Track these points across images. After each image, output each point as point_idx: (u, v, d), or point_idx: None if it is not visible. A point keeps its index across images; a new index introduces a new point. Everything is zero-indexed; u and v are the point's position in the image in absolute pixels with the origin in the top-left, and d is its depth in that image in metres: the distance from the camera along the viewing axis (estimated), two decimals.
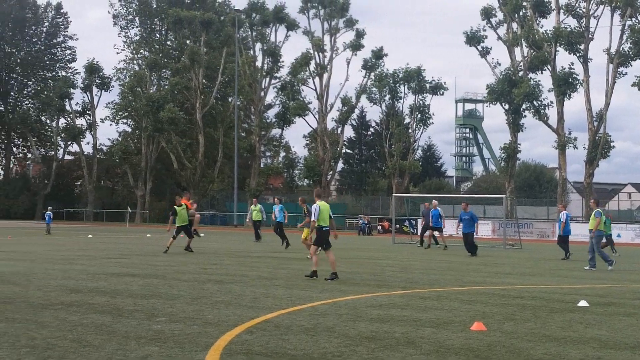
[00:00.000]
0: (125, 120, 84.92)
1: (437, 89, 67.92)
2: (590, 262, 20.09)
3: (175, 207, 24.03)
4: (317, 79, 70.18)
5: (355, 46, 69.77)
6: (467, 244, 25.95)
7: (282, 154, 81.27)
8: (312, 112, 70.28)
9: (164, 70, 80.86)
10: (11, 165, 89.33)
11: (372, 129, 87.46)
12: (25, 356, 6.94)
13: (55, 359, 6.86)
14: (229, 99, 78.77)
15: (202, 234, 31.97)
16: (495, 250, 31.22)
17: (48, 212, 42.06)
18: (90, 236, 36.94)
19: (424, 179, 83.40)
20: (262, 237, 33.26)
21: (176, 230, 23.80)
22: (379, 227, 56.54)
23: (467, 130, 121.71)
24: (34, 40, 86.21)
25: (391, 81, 68.34)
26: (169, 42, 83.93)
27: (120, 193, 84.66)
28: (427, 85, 67.83)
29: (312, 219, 15.30)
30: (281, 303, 11.18)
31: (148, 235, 40.74)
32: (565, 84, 55.95)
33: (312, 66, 70.30)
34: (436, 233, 31.02)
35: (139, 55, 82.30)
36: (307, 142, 76.50)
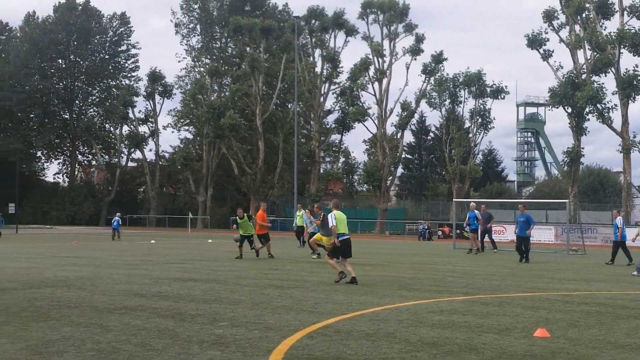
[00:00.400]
0: (186, 127, 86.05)
1: (498, 92, 67.13)
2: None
3: (237, 217, 24.76)
4: (376, 84, 70.03)
5: (415, 51, 69.35)
6: (519, 247, 25.09)
7: (342, 159, 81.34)
8: (371, 118, 70.18)
9: (225, 78, 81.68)
10: (76, 173, 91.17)
11: (432, 134, 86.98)
12: (90, 359, 7.09)
13: None
14: (289, 105, 79.15)
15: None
16: (558, 256, 30.71)
17: (117, 218, 42.91)
18: (153, 242, 37.48)
19: (485, 183, 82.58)
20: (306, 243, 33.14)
21: (240, 239, 24.45)
22: (440, 233, 56.17)
23: (529, 134, 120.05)
24: (98, 49, 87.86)
25: (451, 85, 67.85)
26: (229, 50, 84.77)
27: (182, 199, 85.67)
28: (488, 89, 67.10)
29: (331, 224, 15.46)
30: (342, 308, 11.20)
31: (209, 240, 41.17)
32: (629, 87, 54.73)
33: (371, 71, 70.19)
34: (471, 234, 30.67)
35: (200, 63, 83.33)
36: (367, 147, 76.31)
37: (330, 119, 75.52)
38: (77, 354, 7.33)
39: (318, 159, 73.75)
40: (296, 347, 7.86)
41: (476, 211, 30.21)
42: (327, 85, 73.86)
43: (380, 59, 70.09)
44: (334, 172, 75.30)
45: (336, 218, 15.50)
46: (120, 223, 42.76)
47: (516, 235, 25.64)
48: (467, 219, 30.47)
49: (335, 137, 76.53)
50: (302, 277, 16.89)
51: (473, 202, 31.81)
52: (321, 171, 75.20)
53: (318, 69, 74.34)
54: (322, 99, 73.84)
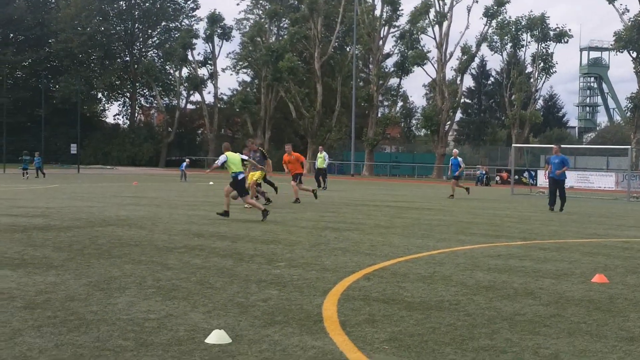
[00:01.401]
0: (245, 70, 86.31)
1: (561, 36, 65.61)
2: None
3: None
4: (436, 28, 68.94)
5: None
6: (552, 192, 22.58)
7: (400, 103, 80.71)
8: (431, 62, 69.31)
9: (284, 20, 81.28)
10: (136, 114, 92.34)
11: (492, 78, 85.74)
12: (152, 296, 7.24)
13: (180, 299, 7.11)
14: (348, 48, 78.59)
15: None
16: (619, 203, 30.21)
17: (185, 162, 44.34)
18: (211, 183, 37.91)
19: (545, 129, 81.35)
20: (324, 185, 32.98)
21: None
22: (497, 178, 55.66)
23: (592, 79, 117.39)
24: None
25: (513, 29, 66.48)
26: None
27: (240, 142, 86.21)
28: (551, 33, 65.65)
29: (217, 163, 16.32)
30: (398, 251, 11.22)
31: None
32: None
33: (431, 14, 69.06)
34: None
35: (259, 5, 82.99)
36: (426, 91, 75.66)
37: (389, 62, 74.86)
38: (138, 291, 7.49)
39: (376, 102, 73.29)
40: (352, 288, 7.91)
41: (459, 158, 28.88)
42: (386, 28, 72.98)
43: (441, 2, 68.89)
44: (392, 116, 74.78)
45: (229, 159, 16.08)
46: (186, 165, 43.87)
47: (549, 177, 22.73)
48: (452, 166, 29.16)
49: (393, 81, 75.84)
50: (358, 220, 16.94)
51: (455, 149, 30.98)
52: (379, 115, 74.79)
53: (377, 12, 73.47)
54: (381, 42, 73.06)
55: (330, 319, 6.36)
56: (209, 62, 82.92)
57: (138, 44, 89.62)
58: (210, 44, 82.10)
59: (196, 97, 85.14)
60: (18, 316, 6.21)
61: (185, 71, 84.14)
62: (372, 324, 6.22)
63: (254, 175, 20.27)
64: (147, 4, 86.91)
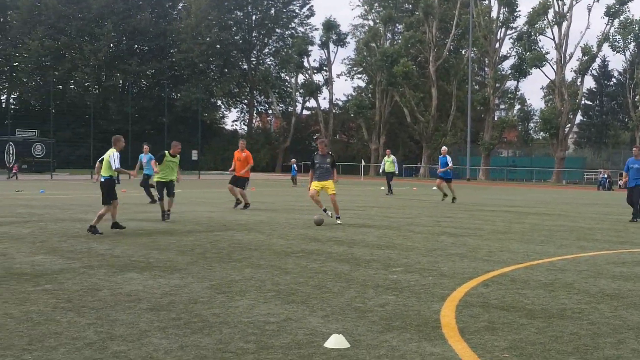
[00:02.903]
0: (359, 76, 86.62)
1: None
2: None
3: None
4: (555, 28, 67.33)
5: None
6: (633, 201, 18.99)
7: (517, 106, 79.09)
8: (549, 63, 67.74)
9: (398, 25, 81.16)
10: (254, 120, 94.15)
11: (614, 79, 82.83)
12: (271, 300, 7.37)
13: (299, 303, 7.21)
14: (463, 51, 77.75)
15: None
16: None
17: (293, 165, 44.79)
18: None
19: None
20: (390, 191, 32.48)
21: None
22: (620, 183, 53.66)
23: None
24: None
25: (637, 28, 64.09)
26: None
27: (355, 147, 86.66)
28: None
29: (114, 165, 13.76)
30: (517, 257, 11.01)
31: (382, 187, 41.47)
32: None
33: (550, 15, 67.48)
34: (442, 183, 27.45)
35: (373, 11, 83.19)
36: (544, 93, 73.80)
37: (506, 65, 73.63)
38: (258, 294, 7.64)
39: (492, 106, 72.16)
40: (471, 295, 7.82)
41: (448, 156, 27.11)
42: (503, 30, 71.84)
43: (560, 2, 67.21)
44: (508, 119, 73.45)
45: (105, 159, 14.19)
46: (296, 169, 44.39)
47: (628, 186, 19.19)
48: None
49: (510, 83, 74.53)
50: (475, 225, 16.71)
51: (445, 146, 28.99)
52: (495, 119, 73.56)
53: (494, 14, 72.38)
54: (497, 45, 71.93)
55: (449, 326, 6.31)
56: (324, 68, 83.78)
57: (255, 52, 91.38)
58: (325, 51, 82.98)
59: (311, 103, 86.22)
60: (144, 318, 6.45)
61: (301, 78, 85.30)
62: (492, 332, 6.14)
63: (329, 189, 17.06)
64: (263, 13, 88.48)
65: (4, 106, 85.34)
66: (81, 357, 5.18)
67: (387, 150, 34.53)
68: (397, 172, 33.24)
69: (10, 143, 61.24)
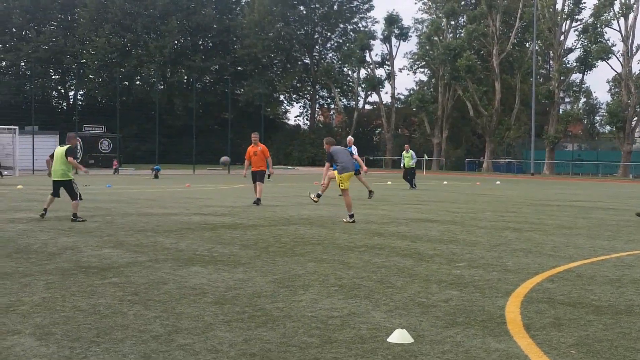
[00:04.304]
0: (422, 70, 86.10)
1: None
2: None
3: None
4: (622, 20, 65.78)
5: None
6: None
7: (583, 99, 77.67)
8: (616, 55, 66.23)
9: (461, 18, 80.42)
10: (316, 115, 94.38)
11: None
12: (335, 294, 7.39)
13: (362, 297, 7.21)
14: (527, 44, 76.60)
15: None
16: None
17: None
18: (389, 183, 38.09)
19: None
20: (413, 185, 31.70)
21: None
22: None
23: None
24: None
25: None
26: None
27: (417, 141, 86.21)
28: None
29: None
30: (583, 253, 10.82)
31: (445, 182, 41.21)
32: None
33: (616, 6, 65.98)
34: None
35: (436, 4, 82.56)
36: (610, 86, 72.29)
37: (571, 57, 72.28)
38: (321, 288, 7.66)
39: (557, 99, 70.94)
40: (536, 290, 7.72)
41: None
42: (568, 22, 70.52)
43: None
44: (574, 113, 72.11)
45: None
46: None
47: None
48: None
49: (575, 76, 73.12)
50: (540, 220, 16.47)
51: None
52: (560, 112, 72.32)
53: (559, 6, 71.12)
54: (562, 37, 70.66)
55: (514, 322, 6.24)
56: (386, 62, 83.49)
57: (317, 46, 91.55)
58: (387, 45, 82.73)
59: (374, 97, 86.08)
60: (209, 311, 6.53)
61: (363, 72, 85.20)
62: (558, 328, 6.05)
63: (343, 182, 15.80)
64: (325, 8, 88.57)
65: (71, 102, 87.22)
66: (148, 350, 5.27)
67: (406, 145, 33.59)
68: (414, 166, 31.98)
69: (78, 138, 62.58)
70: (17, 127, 48.58)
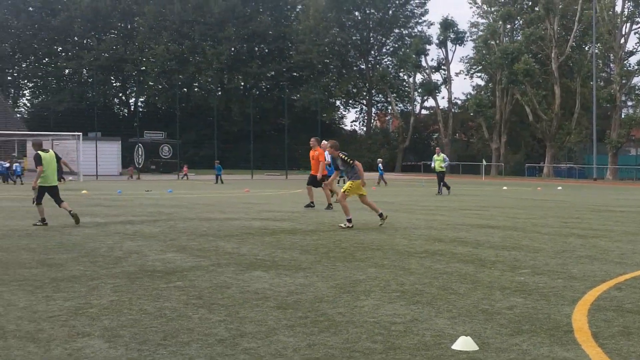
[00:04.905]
0: (479, 74, 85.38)
1: None
2: None
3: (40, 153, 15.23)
4: None
5: None
6: None
7: None
8: None
9: (518, 22, 79.56)
10: (372, 121, 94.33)
11: None
12: (396, 300, 7.35)
13: (424, 304, 7.16)
14: (587, 47, 75.39)
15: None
16: None
17: (379, 164, 45.05)
18: (505, 188, 37.76)
19: None
20: (449, 189, 30.98)
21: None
22: None
23: None
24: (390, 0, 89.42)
25: None
26: None
27: (475, 146, 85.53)
28: None
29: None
30: None
31: (504, 187, 40.77)
32: None
33: None
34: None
35: (492, 8, 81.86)
36: None
37: (633, 60, 71.09)
38: (382, 294, 7.63)
39: (619, 103, 69.62)
40: (603, 298, 7.56)
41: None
42: (628, 25, 69.22)
43: None
44: (637, 116, 70.67)
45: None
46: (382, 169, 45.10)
47: None
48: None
49: (638, 79, 71.80)
50: (605, 226, 16.16)
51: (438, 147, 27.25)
52: (623, 116, 70.94)
53: (618, 8, 69.94)
54: (622, 40, 69.36)
55: (581, 330, 6.12)
56: (442, 67, 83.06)
57: (373, 52, 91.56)
58: (443, 49, 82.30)
59: (430, 102, 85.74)
60: (272, 315, 6.55)
61: (419, 77, 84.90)
62: (627, 337, 5.92)
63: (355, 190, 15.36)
64: (380, 13, 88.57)
65: (132, 109, 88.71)
66: (213, 353, 5.31)
67: (437, 149, 32.81)
68: (445, 170, 31.14)
69: (139, 144, 63.66)
70: (80, 133, 49.59)
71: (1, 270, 9.07)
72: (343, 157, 15.13)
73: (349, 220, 14.90)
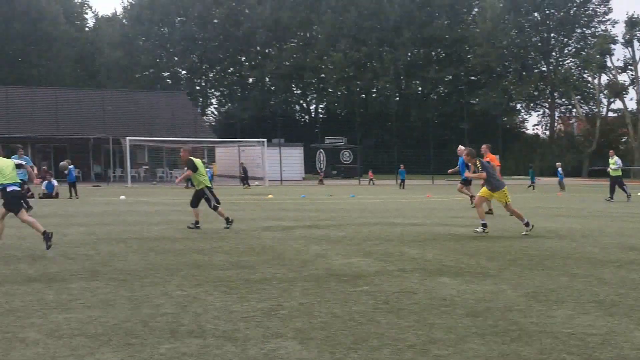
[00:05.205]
0: None
1: None
2: None
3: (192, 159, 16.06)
4: None
5: None
6: None
7: None
8: None
9: None
10: (555, 124, 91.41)
11: None
12: (591, 310, 7.07)
13: (622, 315, 6.85)
14: None
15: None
16: None
17: (559, 169, 44.27)
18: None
19: None
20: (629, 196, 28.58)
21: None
22: None
23: None
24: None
25: None
26: None
27: None
28: None
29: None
30: None
31: None
32: None
33: None
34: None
35: None
36: None
37: None
38: (576, 304, 7.36)
39: None
40: None
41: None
42: None
43: None
44: None
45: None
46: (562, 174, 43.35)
47: None
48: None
49: None
50: None
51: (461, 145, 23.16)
52: None
53: None
54: None
55: None
56: (629, 67, 79.16)
57: (554, 53, 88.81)
58: (629, 49, 78.40)
59: (617, 104, 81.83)
60: (462, 323, 6.49)
61: (604, 78, 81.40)
62: None
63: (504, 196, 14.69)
64: (561, 13, 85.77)
65: (313, 115, 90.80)
66: (404, 359, 5.33)
67: (611, 151, 30.43)
68: (619, 174, 28.72)
69: (321, 150, 65.05)
70: (265, 140, 51.34)
71: (198, 271, 9.54)
72: (478, 164, 14.69)
73: (484, 225, 14.49)
